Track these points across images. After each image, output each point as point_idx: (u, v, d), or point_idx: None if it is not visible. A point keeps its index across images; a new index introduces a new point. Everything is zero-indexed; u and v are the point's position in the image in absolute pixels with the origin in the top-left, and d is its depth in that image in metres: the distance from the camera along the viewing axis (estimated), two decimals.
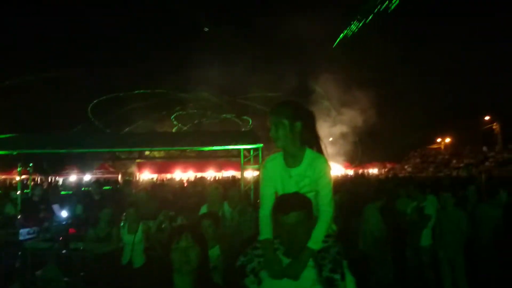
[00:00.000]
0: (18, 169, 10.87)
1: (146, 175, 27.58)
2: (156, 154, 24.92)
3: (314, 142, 2.88)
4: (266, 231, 2.77)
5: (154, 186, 13.77)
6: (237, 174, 26.11)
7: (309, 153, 2.81)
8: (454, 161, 40.04)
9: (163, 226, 6.70)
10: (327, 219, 2.69)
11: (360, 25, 40.71)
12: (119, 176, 26.46)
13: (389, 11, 39.71)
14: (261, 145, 7.13)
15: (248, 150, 7.29)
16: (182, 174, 27.83)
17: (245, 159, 7.47)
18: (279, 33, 36.44)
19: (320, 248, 2.60)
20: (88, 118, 39.60)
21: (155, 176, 27.81)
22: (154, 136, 11.52)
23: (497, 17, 39.67)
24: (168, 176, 28.07)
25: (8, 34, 35.94)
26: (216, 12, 42.66)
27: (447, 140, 46.09)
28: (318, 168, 2.76)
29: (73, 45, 38.93)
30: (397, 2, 38.78)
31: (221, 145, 7.12)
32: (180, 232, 2.67)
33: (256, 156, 7.19)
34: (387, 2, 39.71)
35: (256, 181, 7.33)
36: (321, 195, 2.75)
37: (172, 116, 42.97)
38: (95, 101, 41.06)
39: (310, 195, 2.73)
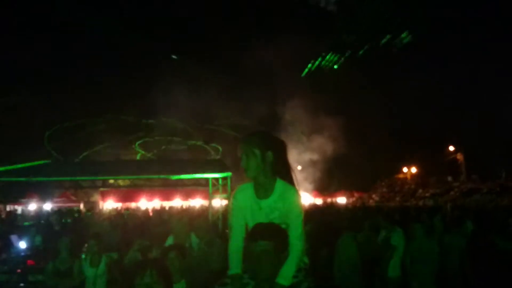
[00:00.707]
0: None
1: (110, 204, 26.88)
2: (120, 182, 24.45)
3: (285, 172, 2.81)
4: (235, 265, 2.70)
5: (118, 216, 13.43)
6: (205, 203, 25.88)
7: (280, 184, 2.74)
8: (420, 191, 40.90)
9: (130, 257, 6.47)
10: (297, 253, 2.62)
11: (334, 59, 41.54)
12: (81, 205, 25.67)
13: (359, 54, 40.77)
14: (230, 174, 7.05)
15: (217, 179, 7.19)
16: (147, 203, 27.26)
17: (214, 188, 7.37)
18: (248, 61, 36.79)
19: (290, 283, 2.53)
20: (45, 146, 38.50)
21: (119, 205, 27.12)
22: (119, 164, 11.28)
23: (465, 48, 41.29)
24: (133, 204, 27.44)
25: None
26: (184, 40, 42.44)
27: (413, 169, 47.12)
28: (289, 200, 2.69)
29: (33, 70, 38.02)
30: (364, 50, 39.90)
31: (189, 174, 7.00)
32: (144, 268, 2.59)
33: (224, 185, 7.09)
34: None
35: (225, 211, 7.21)
36: (291, 228, 2.66)
37: (137, 143, 42.37)
38: (54, 128, 40.02)
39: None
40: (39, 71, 38.68)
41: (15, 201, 24.13)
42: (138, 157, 39.36)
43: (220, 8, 41.37)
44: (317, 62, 41.97)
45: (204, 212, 11.24)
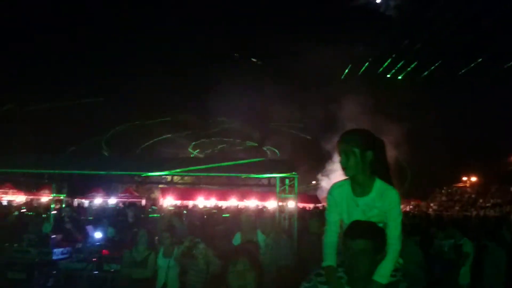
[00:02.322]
0: (53, 189, 11.07)
1: (169, 201, 27.64)
2: (178, 179, 25.08)
3: (384, 171, 2.81)
4: (330, 258, 2.73)
5: (180, 212, 13.84)
6: (260, 204, 26.08)
7: (378, 183, 2.74)
8: (481, 200, 39.19)
9: (193, 252, 6.69)
10: (395, 253, 2.63)
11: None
12: (143, 201, 26.62)
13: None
14: (297, 175, 7.13)
15: (283, 179, 7.29)
16: (205, 202, 27.79)
17: (280, 188, 7.48)
18: (307, 64, 36.76)
19: (388, 282, 2.54)
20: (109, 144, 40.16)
21: (177, 202, 27.83)
22: (184, 161, 11.62)
23: None
24: (191, 203, 28.07)
25: (36, 63, 36.87)
26: (245, 43, 42.83)
27: (473, 179, 45.23)
28: (389, 200, 2.69)
29: (100, 73, 39.77)
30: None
31: (257, 173, 7.14)
32: (237, 256, 2.68)
33: (291, 186, 7.18)
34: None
35: (292, 211, 7.31)
36: (390, 228, 2.67)
37: (192, 143, 43.25)
38: (117, 128, 41.70)
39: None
40: (106, 72, 40.40)
41: (83, 195, 25.43)
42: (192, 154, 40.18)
43: (280, 14, 41.58)
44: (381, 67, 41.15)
45: (268, 211, 11.40)
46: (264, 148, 42.73)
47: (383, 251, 2.58)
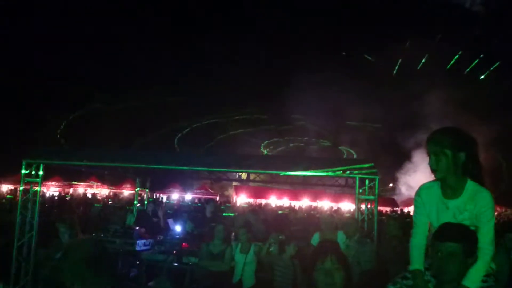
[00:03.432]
0: (136, 184, 11.61)
1: (242, 199, 28.09)
2: (254, 177, 25.40)
3: (476, 172, 2.67)
4: (417, 261, 2.67)
5: (255, 210, 13.99)
6: (334, 205, 25.75)
7: (470, 185, 2.61)
8: None
9: (270, 249, 6.72)
10: (487, 258, 2.51)
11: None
12: (218, 198, 27.28)
13: None
14: (378, 176, 6.91)
15: (363, 180, 7.09)
16: (277, 201, 27.94)
17: (360, 190, 7.29)
18: (384, 61, 35.81)
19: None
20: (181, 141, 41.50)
21: (250, 200, 28.21)
22: (261, 159, 11.71)
23: None
24: (263, 201, 28.32)
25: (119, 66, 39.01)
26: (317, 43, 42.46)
27: None
28: (481, 203, 2.56)
29: (178, 71, 41.20)
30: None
31: (335, 173, 7.00)
32: (325, 253, 2.63)
33: (371, 187, 6.97)
34: None
35: (371, 213, 7.11)
36: (482, 232, 2.54)
37: (265, 142, 43.58)
38: (194, 125, 43.01)
39: None
40: (184, 71, 41.79)
41: (161, 190, 26.57)
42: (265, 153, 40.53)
43: (362, 9, 40.83)
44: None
45: (351, 213, 11.23)
46: (340, 148, 42.12)
47: (474, 255, 2.46)
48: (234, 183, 28.70)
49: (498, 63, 38.39)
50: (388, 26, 38.70)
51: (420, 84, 34.66)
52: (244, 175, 15.19)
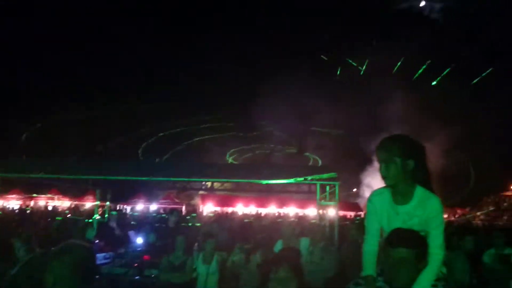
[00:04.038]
0: (96, 195, 11.34)
1: (208, 208, 27.87)
2: (219, 186, 25.26)
3: (425, 179, 2.71)
4: (369, 267, 2.69)
5: (221, 219, 13.90)
6: (300, 211, 25.88)
7: (419, 191, 2.64)
8: None
9: (233, 258, 6.68)
10: (437, 263, 2.54)
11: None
12: (184, 207, 26.93)
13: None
14: (338, 181, 6.99)
15: (323, 186, 7.16)
16: (244, 209, 27.86)
17: (321, 196, 7.36)
18: (348, 67, 36.54)
19: None
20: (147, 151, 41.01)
21: (217, 209, 28.02)
22: (225, 168, 11.68)
23: None
24: (230, 210, 28.19)
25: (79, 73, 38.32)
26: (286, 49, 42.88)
27: None
28: (430, 208, 2.60)
29: (142, 80, 40.81)
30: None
31: (297, 178, 7.04)
32: (279, 262, 2.64)
33: (332, 193, 7.04)
34: None
35: (332, 219, 7.16)
36: (432, 237, 2.58)
37: (230, 150, 43.53)
38: (160, 134, 42.56)
39: None
40: (149, 79, 41.38)
41: (125, 201, 26.03)
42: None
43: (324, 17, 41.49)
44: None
45: (311, 219, 11.26)
46: (306, 154, 42.48)
47: (425, 260, 2.50)
48: (201, 192, 28.48)
49: (449, 69, 39.69)
50: (351, 32, 39.52)
51: (384, 89, 35.45)
52: (209, 183, 15.10)
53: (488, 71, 38.12)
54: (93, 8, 39.14)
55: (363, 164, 36.33)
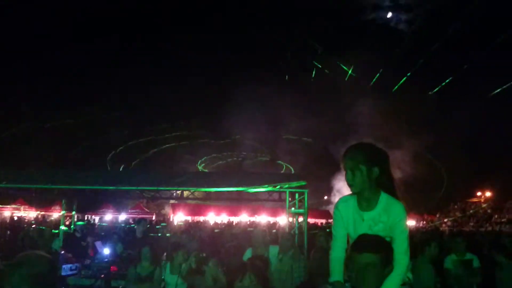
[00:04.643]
0: (62, 205, 11.06)
1: (179, 217, 27.61)
2: (189, 195, 25.08)
3: (389, 185, 2.77)
4: (337, 272, 2.73)
5: (190, 228, 13.77)
6: (271, 219, 25.90)
7: (384, 197, 2.70)
8: (496, 216, 38.56)
9: (203, 268, 6.60)
10: (402, 268, 2.58)
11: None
12: (153, 217, 26.61)
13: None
14: (307, 189, 7.02)
15: (292, 193, 7.18)
16: (216, 217, 27.72)
17: (289, 203, 7.37)
18: (318, 78, 37.02)
19: None
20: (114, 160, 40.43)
21: (188, 218, 27.77)
22: (193, 176, 11.58)
23: None
24: (202, 218, 27.99)
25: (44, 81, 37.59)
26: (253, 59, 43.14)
27: (488, 194, 44.59)
28: (394, 214, 2.65)
29: (111, 88, 40.30)
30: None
31: (264, 186, 7.04)
32: (244, 271, 2.64)
33: (301, 200, 7.06)
34: None
35: (301, 227, 7.18)
36: (396, 242, 2.62)
37: (202, 159, 43.34)
38: (129, 143, 42.02)
39: None
40: (111, 89, 40.85)
41: (93, 211, 25.50)
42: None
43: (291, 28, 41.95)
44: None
45: (277, 226, 11.27)
46: (278, 162, 42.68)
47: (391, 265, 2.54)
48: (172, 201, 28.20)
49: (405, 78, 40.65)
50: (321, 41, 40.07)
51: (354, 96, 36.00)
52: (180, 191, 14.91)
53: (447, 81, 39.14)
54: (58, 15, 38.48)
55: (334, 171, 36.81)
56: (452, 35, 36.82)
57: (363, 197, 2.71)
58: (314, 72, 40.10)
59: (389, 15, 40.96)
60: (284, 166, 42.69)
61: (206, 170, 40.52)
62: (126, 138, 41.56)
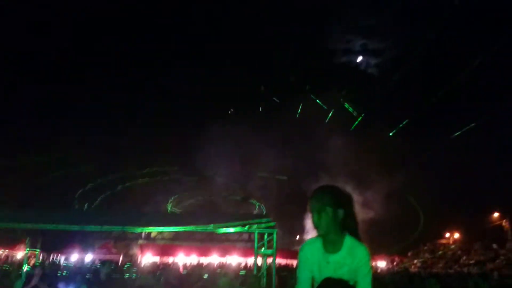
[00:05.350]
0: (26, 244, 10.68)
1: (148, 258, 26.89)
2: (159, 236, 24.52)
3: (353, 227, 2.81)
4: None
5: (157, 270, 13.39)
6: (243, 260, 25.49)
7: (349, 240, 2.74)
8: (464, 258, 38.96)
9: None
10: None
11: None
12: (121, 257, 25.80)
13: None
14: (276, 230, 7.01)
15: (262, 234, 7.13)
16: (185, 258, 27.10)
17: (259, 244, 7.30)
18: (291, 117, 37.59)
19: None
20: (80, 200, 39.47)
21: (157, 259, 27.05)
22: (161, 216, 11.42)
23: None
24: (171, 259, 27.31)
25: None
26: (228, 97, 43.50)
27: (456, 235, 45.23)
28: (359, 257, 2.69)
29: (79, 125, 39.78)
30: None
31: (233, 227, 6.98)
32: None
33: (270, 241, 7.02)
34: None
35: (270, 268, 7.11)
36: (360, 285, 2.66)
37: (172, 197, 42.77)
38: (98, 180, 41.24)
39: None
40: (79, 124, 40.29)
41: (58, 250, 24.61)
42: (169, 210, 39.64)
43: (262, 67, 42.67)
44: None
45: (248, 268, 11.09)
46: (251, 201, 42.45)
47: None
48: (140, 241, 27.53)
49: (360, 118, 41.60)
50: (296, 80, 40.85)
51: (326, 139, 36.51)
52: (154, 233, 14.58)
53: (404, 123, 40.33)
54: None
55: (307, 210, 36.56)
56: (417, 76, 38.15)
57: (329, 240, 2.75)
58: (288, 109, 40.62)
59: (359, 59, 42.36)
60: (257, 205, 42.48)
61: (175, 209, 39.93)
62: (96, 174, 40.78)
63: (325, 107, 38.73)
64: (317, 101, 38.92)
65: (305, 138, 38.11)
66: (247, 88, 42.05)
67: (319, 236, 2.79)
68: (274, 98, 42.57)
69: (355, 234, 2.79)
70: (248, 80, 41.58)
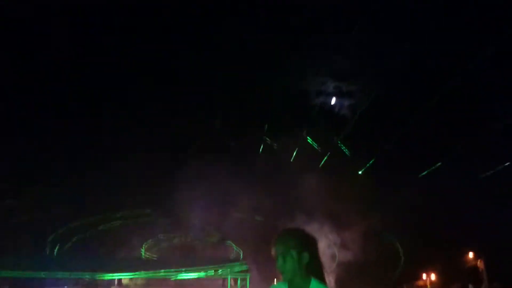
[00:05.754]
0: None
1: None
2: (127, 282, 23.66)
3: (318, 271, 2.78)
4: None
5: None
6: None
7: (314, 284, 2.70)
8: None
9: None
10: None
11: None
12: None
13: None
14: (249, 274, 6.86)
15: (235, 279, 6.96)
16: None
17: None
18: (267, 156, 37.65)
19: None
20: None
21: None
22: (132, 261, 11.11)
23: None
24: None
25: None
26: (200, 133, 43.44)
27: (432, 276, 45.28)
28: None
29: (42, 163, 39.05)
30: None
31: (206, 271, 6.80)
32: None
33: (243, 286, 6.85)
34: None
35: None
36: None
37: (147, 241, 41.89)
38: (68, 225, 40.19)
39: None
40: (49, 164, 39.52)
41: None
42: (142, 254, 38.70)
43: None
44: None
45: None
46: (228, 242, 41.87)
47: None
48: None
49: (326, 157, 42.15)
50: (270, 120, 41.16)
51: (299, 179, 36.55)
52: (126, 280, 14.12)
53: (371, 161, 40.93)
54: None
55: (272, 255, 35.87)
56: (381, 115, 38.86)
57: (294, 285, 2.70)
58: (262, 150, 40.72)
59: (333, 101, 43.13)
60: (235, 247, 41.84)
61: (148, 254, 38.90)
62: (67, 218, 39.66)
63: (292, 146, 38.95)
64: (282, 139, 39.06)
65: (278, 176, 38.21)
66: (223, 127, 42.06)
67: (284, 280, 2.73)
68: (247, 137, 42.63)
69: (320, 278, 2.75)
70: (224, 120, 41.67)
